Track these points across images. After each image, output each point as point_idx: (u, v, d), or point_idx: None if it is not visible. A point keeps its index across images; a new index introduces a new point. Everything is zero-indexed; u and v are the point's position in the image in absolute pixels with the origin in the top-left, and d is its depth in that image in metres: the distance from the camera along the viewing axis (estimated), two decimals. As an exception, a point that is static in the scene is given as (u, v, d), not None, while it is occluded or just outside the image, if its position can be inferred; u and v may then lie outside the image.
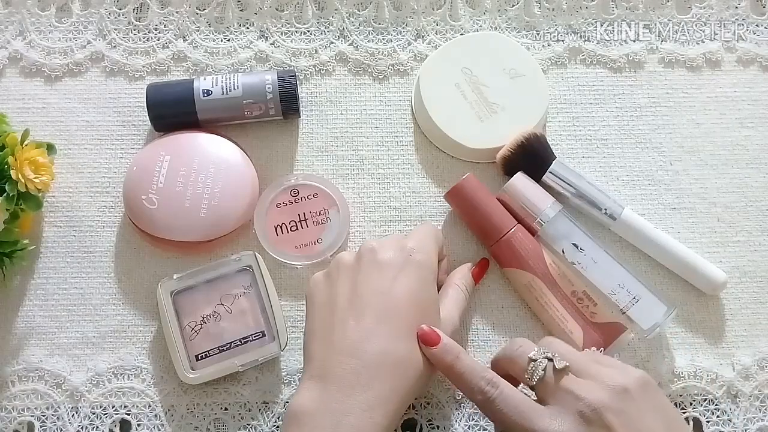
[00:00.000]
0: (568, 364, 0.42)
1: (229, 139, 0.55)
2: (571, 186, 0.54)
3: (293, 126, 0.58)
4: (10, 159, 0.49)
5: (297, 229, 0.54)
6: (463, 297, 0.50)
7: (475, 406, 0.44)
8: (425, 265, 0.46)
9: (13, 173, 0.49)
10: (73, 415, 0.51)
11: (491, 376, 0.42)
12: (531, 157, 0.54)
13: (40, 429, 0.51)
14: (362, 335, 0.43)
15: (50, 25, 0.59)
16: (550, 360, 0.43)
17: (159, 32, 0.59)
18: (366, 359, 0.42)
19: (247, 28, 0.60)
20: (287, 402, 0.51)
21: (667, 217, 0.56)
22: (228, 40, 0.59)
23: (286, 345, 0.51)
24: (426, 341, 0.44)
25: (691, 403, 0.52)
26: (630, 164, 0.57)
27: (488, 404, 0.42)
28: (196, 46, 0.59)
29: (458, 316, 0.48)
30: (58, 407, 0.51)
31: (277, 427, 0.51)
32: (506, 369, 0.45)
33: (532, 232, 0.53)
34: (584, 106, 0.59)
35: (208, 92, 0.54)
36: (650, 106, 0.59)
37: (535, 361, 0.43)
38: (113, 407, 0.51)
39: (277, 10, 0.60)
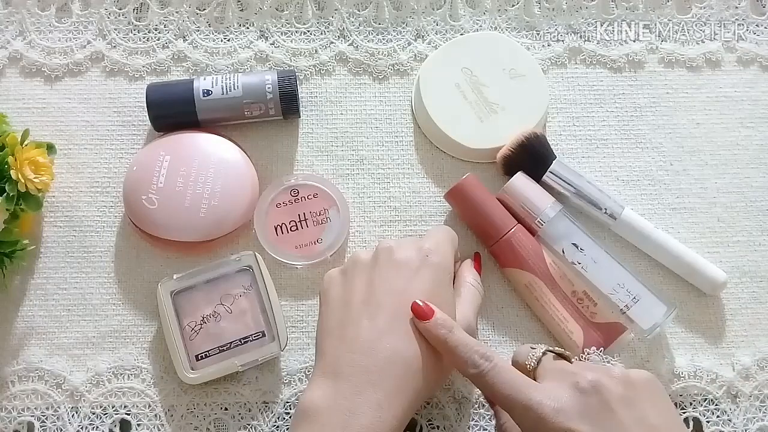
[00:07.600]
0: (568, 353, 0.42)
1: (229, 139, 0.55)
2: (571, 186, 0.54)
3: (293, 126, 0.58)
4: (10, 159, 0.49)
5: (297, 229, 0.54)
6: (478, 294, 0.49)
7: (474, 406, 0.43)
8: (442, 267, 0.46)
9: (13, 173, 0.49)
10: (73, 415, 0.51)
11: (485, 351, 0.42)
12: (531, 156, 0.54)
13: (40, 429, 0.51)
14: (375, 334, 0.42)
15: (50, 25, 0.59)
16: (550, 351, 0.43)
17: (159, 32, 0.59)
18: (378, 358, 0.42)
19: (247, 28, 0.60)
20: (288, 402, 0.51)
21: (667, 217, 0.56)
22: (228, 40, 0.59)
23: (286, 345, 0.51)
24: (419, 315, 0.43)
25: (691, 403, 0.52)
26: (630, 164, 0.57)
27: (482, 378, 0.41)
28: (196, 46, 0.59)
29: (474, 317, 0.48)
30: (58, 407, 0.51)
31: (277, 427, 0.51)
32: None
33: (532, 232, 0.53)
34: (584, 106, 0.59)
35: (208, 92, 0.54)
36: (650, 106, 0.59)
37: (534, 349, 0.43)
38: (113, 407, 0.51)
39: (277, 10, 0.60)
